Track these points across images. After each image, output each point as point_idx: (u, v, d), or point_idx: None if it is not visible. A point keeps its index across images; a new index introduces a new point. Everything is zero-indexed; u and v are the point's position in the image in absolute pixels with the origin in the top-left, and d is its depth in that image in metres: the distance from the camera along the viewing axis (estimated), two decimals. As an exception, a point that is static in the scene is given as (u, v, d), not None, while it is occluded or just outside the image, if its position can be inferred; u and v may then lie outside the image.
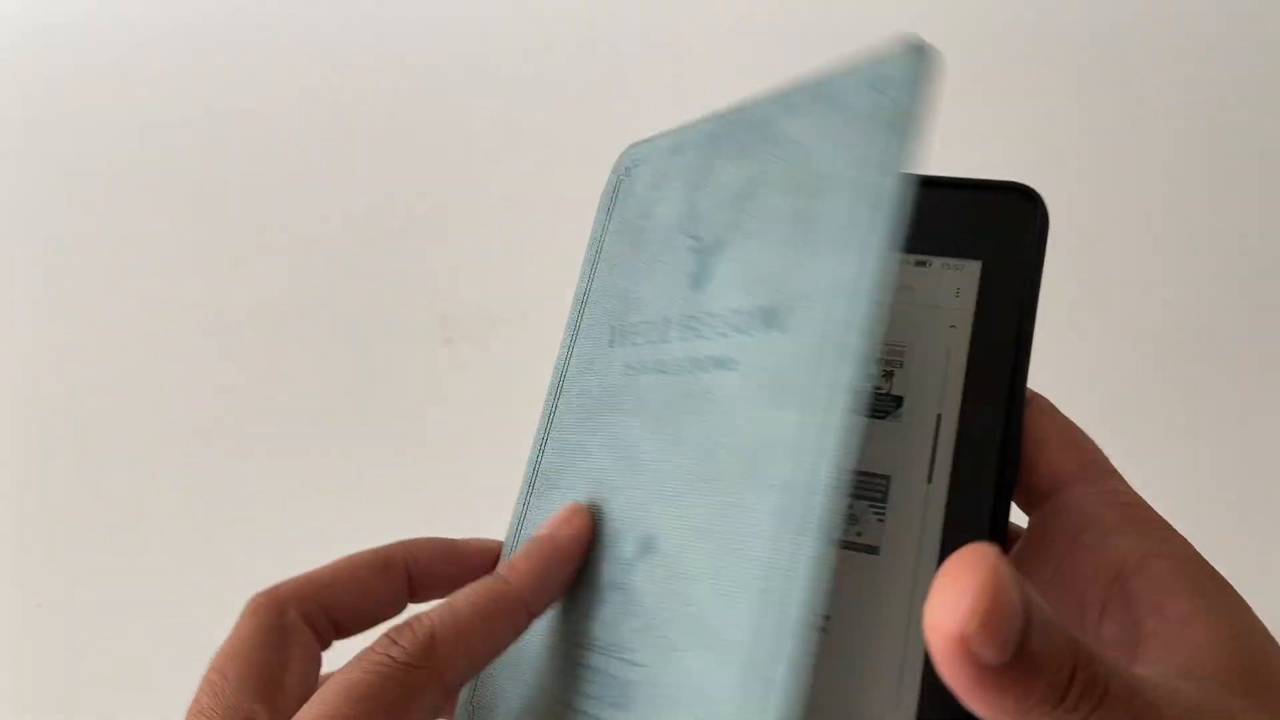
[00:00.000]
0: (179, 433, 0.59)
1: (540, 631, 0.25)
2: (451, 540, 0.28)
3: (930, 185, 0.24)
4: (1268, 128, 0.65)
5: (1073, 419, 0.26)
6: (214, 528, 0.56)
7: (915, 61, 0.21)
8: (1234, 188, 0.64)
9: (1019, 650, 0.16)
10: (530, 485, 0.28)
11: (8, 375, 0.61)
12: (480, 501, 0.56)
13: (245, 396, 0.60)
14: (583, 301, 0.28)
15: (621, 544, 0.24)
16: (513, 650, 0.24)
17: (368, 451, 0.58)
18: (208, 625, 0.53)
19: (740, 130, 0.25)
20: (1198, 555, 0.23)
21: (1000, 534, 0.24)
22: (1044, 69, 0.68)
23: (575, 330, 0.29)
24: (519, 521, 0.28)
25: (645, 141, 0.29)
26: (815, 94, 0.23)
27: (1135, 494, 0.24)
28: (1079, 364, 0.58)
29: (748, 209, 0.24)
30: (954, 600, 0.16)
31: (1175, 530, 0.24)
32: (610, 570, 0.24)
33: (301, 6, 0.73)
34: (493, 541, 0.28)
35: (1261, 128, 0.65)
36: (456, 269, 0.63)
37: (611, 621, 0.23)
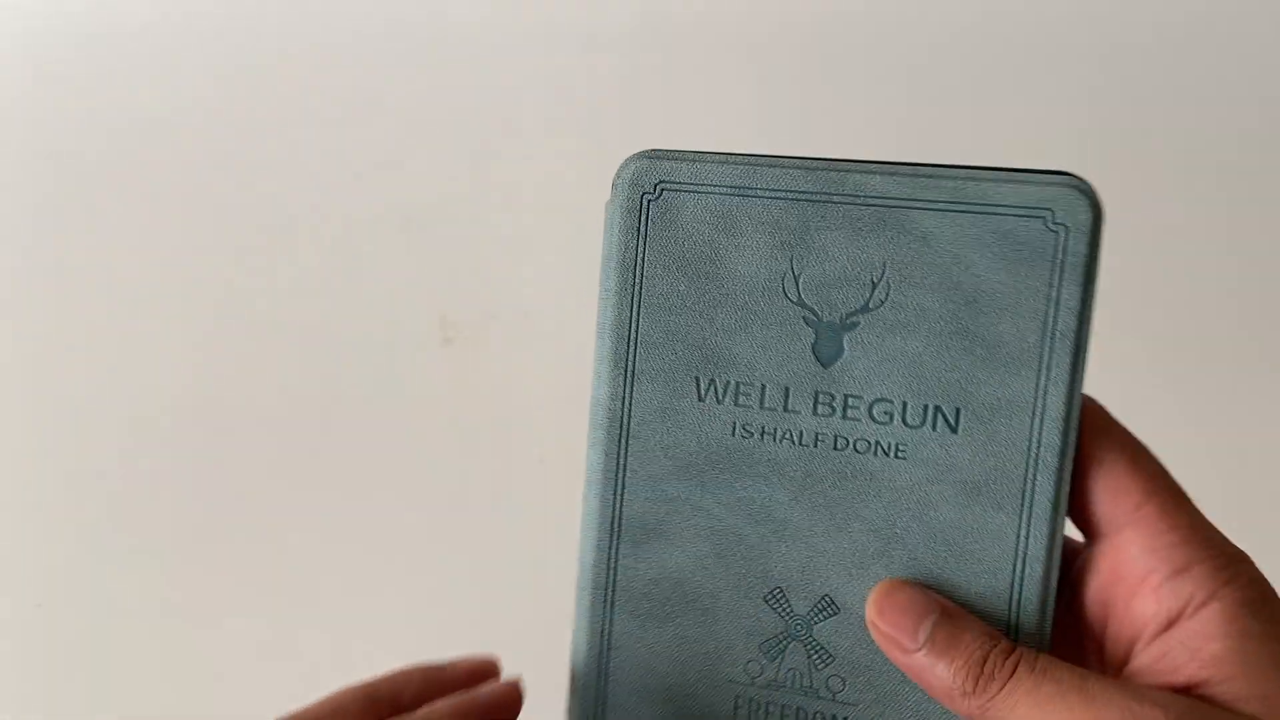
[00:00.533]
0: (179, 432, 0.59)
1: (708, 653, 0.28)
2: (438, 667, 0.29)
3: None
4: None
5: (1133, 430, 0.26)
6: (213, 527, 0.56)
7: (1089, 210, 0.25)
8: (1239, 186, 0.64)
9: (929, 639, 0.24)
10: (614, 532, 0.28)
11: (8, 375, 0.61)
12: (480, 500, 0.56)
13: (245, 396, 0.60)
14: (630, 339, 0.28)
15: (791, 597, 0.27)
16: (684, 667, 0.28)
17: (367, 451, 0.58)
18: (207, 625, 0.53)
19: (849, 205, 0.26)
20: (1257, 595, 0.24)
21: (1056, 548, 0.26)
22: (1062, 63, 0.68)
23: (628, 370, 0.28)
24: (609, 567, 0.28)
25: (670, 159, 0.28)
26: (961, 200, 0.25)
27: (1204, 524, 0.25)
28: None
29: (884, 298, 0.26)
30: (870, 599, 0.25)
31: (1244, 563, 0.24)
32: (777, 623, 0.27)
33: (301, 5, 0.73)
34: (482, 660, 0.30)
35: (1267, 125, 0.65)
36: (456, 269, 0.63)
37: (799, 668, 0.27)
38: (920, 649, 0.24)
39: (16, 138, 0.70)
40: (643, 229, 0.28)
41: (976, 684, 0.23)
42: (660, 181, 0.28)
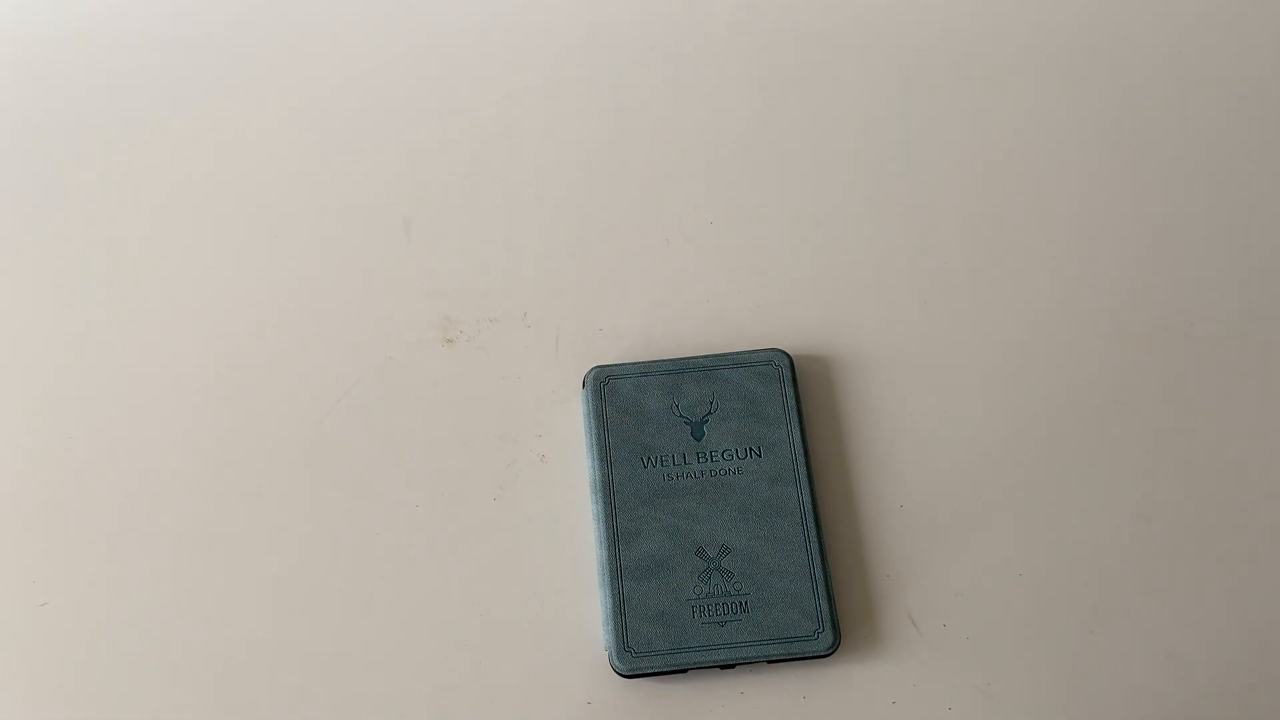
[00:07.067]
0: (182, 432, 0.59)
1: (673, 587, 0.50)
2: None
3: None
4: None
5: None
6: (217, 527, 0.56)
7: (787, 358, 0.55)
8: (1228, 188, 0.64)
9: None
10: (615, 538, 0.51)
11: (11, 372, 0.62)
12: (482, 500, 0.57)
13: (247, 396, 0.60)
14: (607, 446, 0.54)
15: (707, 550, 0.51)
16: (663, 597, 0.50)
17: (369, 450, 0.58)
18: (214, 626, 0.53)
19: (693, 372, 0.55)
20: None
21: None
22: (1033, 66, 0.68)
23: (610, 461, 0.53)
24: (616, 557, 0.51)
25: (611, 365, 0.56)
26: (739, 363, 0.55)
27: None
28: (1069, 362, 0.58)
29: (716, 406, 0.54)
30: None
31: None
32: (703, 564, 0.50)
33: (302, 6, 0.73)
34: None
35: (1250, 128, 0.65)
36: (457, 269, 0.63)
37: (719, 583, 0.50)
38: None
39: (16, 136, 0.70)
40: (604, 396, 0.55)
41: None
42: (607, 378, 0.55)
